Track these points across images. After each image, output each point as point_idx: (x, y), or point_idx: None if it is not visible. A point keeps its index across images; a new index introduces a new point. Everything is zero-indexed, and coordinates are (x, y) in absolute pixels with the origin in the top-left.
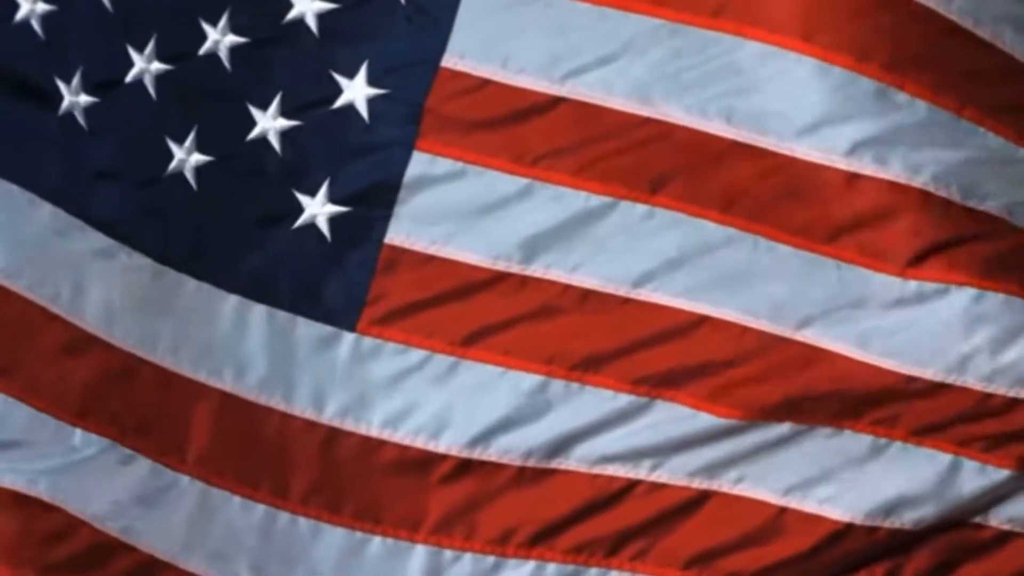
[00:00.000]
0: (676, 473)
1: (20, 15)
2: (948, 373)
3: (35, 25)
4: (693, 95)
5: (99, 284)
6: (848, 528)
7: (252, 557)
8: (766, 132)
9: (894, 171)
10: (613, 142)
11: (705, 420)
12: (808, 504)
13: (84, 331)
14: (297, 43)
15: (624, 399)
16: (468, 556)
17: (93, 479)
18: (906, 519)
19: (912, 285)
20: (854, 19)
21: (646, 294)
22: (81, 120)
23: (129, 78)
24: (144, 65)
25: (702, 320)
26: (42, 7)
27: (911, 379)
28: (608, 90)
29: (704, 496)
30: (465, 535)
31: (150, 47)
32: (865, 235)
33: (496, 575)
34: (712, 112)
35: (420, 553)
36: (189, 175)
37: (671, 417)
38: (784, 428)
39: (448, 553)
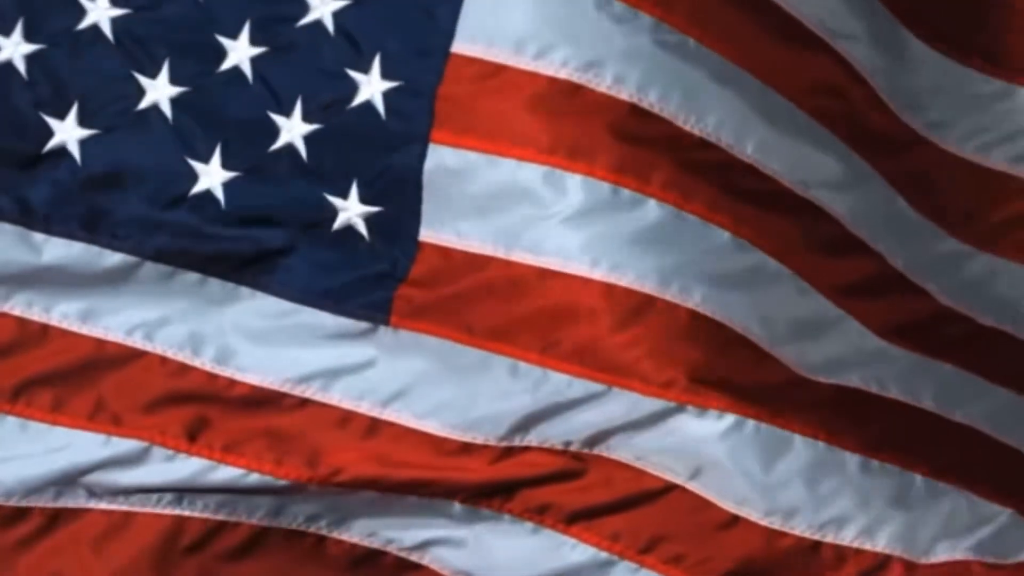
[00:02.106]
0: (708, 487)
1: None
2: None
3: (18, 66)
4: None
5: (125, 301)
6: (887, 559)
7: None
8: None
9: None
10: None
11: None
12: (844, 537)
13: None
14: (313, 45)
15: (653, 402)
16: (507, 516)
17: None
18: (941, 555)
19: None
20: None
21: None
22: (76, 153)
23: (143, 105)
24: (158, 91)
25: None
26: (27, 47)
27: None
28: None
29: (735, 519)
30: (502, 501)
31: (164, 72)
32: None
33: (533, 537)
34: None
35: (458, 508)
36: (218, 192)
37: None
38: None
39: (486, 511)
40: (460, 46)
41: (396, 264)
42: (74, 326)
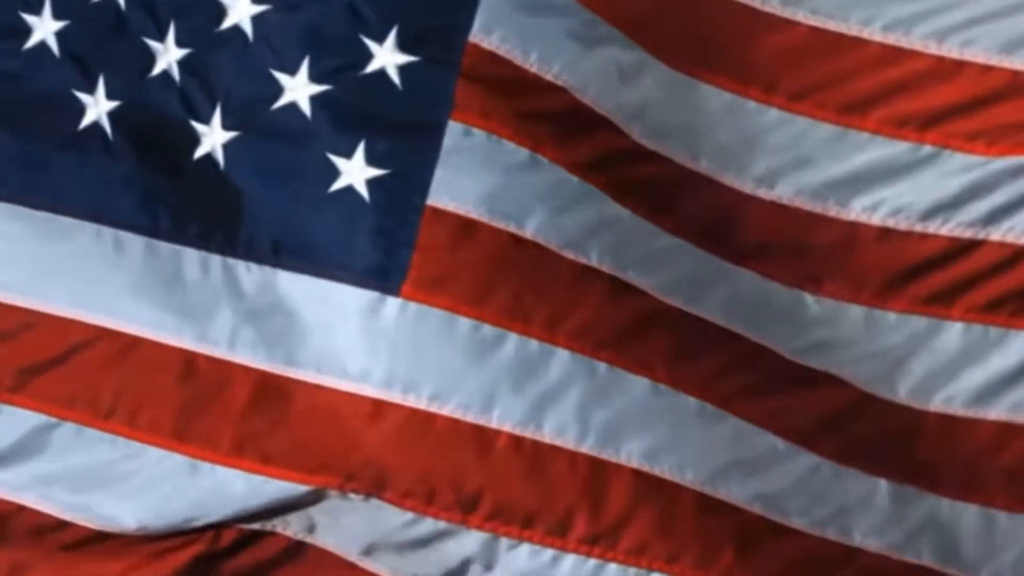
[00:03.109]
0: (743, 493)
1: (34, 39)
2: None
3: (51, 44)
4: None
5: (116, 278)
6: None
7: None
8: None
9: None
10: None
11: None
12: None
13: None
14: (322, 8)
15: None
16: (526, 546)
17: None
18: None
19: None
20: None
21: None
22: (107, 127)
23: (155, 71)
24: (167, 55)
25: None
26: (55, 24)
27: None
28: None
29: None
30: (523, 523)
31: (170, 35)
32: None
33: (554, 569)
34: None
35: (475, 538)
36: (219, 155)
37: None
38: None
39: (504, 541)
40: (477, 37)
41: (403, 231)
42: (153, 334)
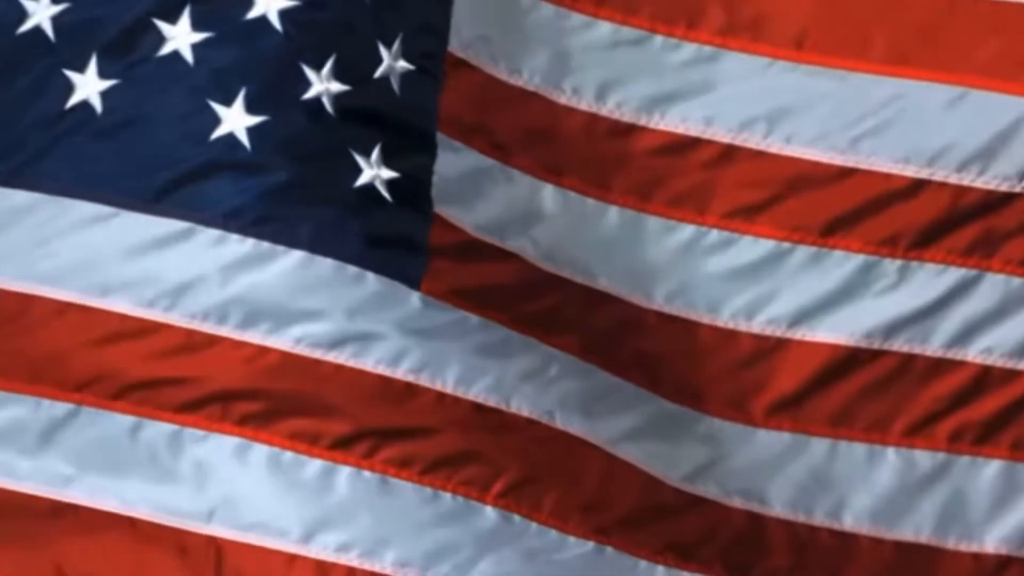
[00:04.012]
0: (724, 488)
1: (29, 23)
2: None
3: (46, 28)
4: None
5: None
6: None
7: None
8: None
9: None
10: None
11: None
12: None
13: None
14: (350, 9)
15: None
16: (533, 525)
17: None
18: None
19: None
20: None
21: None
22: (97, 105)
23: (163, 51)
24: (177, 36)
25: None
26: (53, 8)
27: None
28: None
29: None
30: (531, 505)
31: (185, 18)
32: None
33: (562, 549)
34: None
35: (490, 515)
36: (241, 136)
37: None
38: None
39: (517, 518)
40: (453, 43)
41: (419, 230)
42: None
